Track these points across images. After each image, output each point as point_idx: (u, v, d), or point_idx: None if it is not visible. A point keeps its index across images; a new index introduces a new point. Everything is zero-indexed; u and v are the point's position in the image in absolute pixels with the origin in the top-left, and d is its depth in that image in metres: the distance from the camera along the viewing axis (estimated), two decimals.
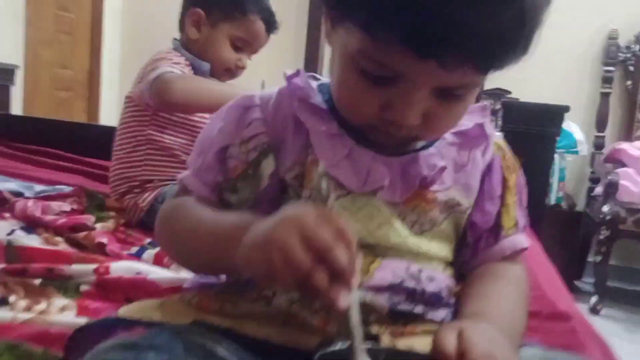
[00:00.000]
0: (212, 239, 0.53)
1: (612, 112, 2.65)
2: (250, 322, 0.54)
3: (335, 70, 0.54)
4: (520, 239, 0.63)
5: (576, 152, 2.57)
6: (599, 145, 2.62)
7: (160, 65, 1.19)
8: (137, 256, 1.00)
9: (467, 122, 0.60)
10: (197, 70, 1.28)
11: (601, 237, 2.27)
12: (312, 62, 3.00)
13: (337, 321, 0.49)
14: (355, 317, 0.44)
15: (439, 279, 0.57)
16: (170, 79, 1.16)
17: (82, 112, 3.38)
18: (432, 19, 0.44)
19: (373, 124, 0.53)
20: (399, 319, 0.54)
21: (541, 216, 1.76)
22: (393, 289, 0.54)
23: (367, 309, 0.52)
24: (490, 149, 0.62)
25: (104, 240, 1.00)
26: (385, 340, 0.53)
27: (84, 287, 0.84)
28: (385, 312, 0.54)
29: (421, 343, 0.53)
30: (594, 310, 2.28)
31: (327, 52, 3.03)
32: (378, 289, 0.54)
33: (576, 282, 2.58)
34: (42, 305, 0.79)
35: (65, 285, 0.84)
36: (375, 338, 0.52)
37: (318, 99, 0.59)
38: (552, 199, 2.57)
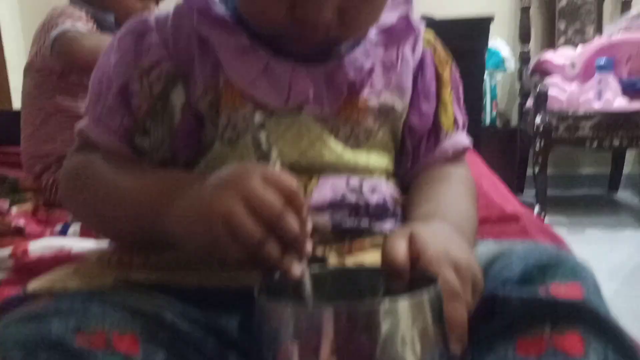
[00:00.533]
0: (134, 209, 0.47)
1: (533, 24, 2.67)
2: (181, 271, 0.48)
3: None
4: (461, 137, 0.59)
5: (504, 70, 2.59)
6: (525, 60, 2.65)
7: (59, 23, 1.07)
8: (63, 233, 0.91)
9: (390, 15, 0.54)
10: (101, 23, 1.17)
11: (537, 148, 2.32)
12: None
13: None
14: (308, 285, 0.40)
15: (381, 189, 0.53)
16: (73, 37, 1.05)
17: None
18: None
19: (285, 28, 0.47)
20: (345, 236, 0.50)
21: (478, 135, 1.77)
22: (334, 206, 0.50)
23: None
24: (420, 44, 0.57)
25: (21, 223, 0.91)
26: (333, 260, 0.48)
27: (1, 275, 0.75)
28: (329, 231, 0.49)
29: (371, 257, 0.49)
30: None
31: None
32: (319, 208, 0.49)
33: (518, 197, 2.65)
34: None
35: None
36: (322, 260, 0.48)
37: (221, 10, 0.51)
38: (486, 119, 2.60)
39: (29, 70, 1.18)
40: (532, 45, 2.68)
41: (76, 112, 1.15)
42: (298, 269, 0.38)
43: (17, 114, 1.98)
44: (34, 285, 0.49)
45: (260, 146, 0.41)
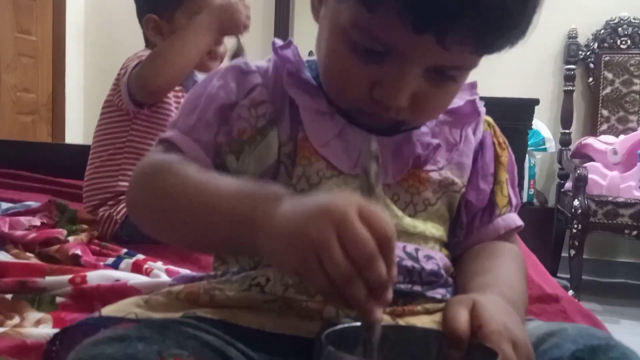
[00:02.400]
0: (220, 209, 0.45)
1: (576, 108, 2.71)
2: (244, 312, 0.51)
3: (324, 47, 0.52)
4: (514, 217, 0.62)
5: (544, 150, 2.62)
6: (565, 142, 2.68)
7: (129, 65, 1.17)
8: (114, 266, 0.96)
9: (457, 99, 0.59)
10: None
11: (574, 231, 2.31)
12: (283, 33, 2.95)
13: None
14: (379, 330, 0.40)
15: (436, 257, 0.55)
16: (138, 70, 1.12)
17: (46, 136, 3.29)
18: None
19: (361, 105, 0.51)
20: (398, 299, 0.52)
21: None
22: None
23: None
24: (481, 126, 0.62)
25: (78, 251, 0.96)
26: (386, 320, 0.51)
27: (59, 299, 0.80)
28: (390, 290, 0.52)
29: (422, 322, 0.51)
30: None
31: (297, 22, 2.99)
32: None
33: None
34: (15, 320, 0.75)
35: (39, 298, 0.80)
36: None
37: (307, 74, 0.56)
38: (524, 197, 2.60)
39: (107, 106, 1.26)
40: (574, 128, 2.71)
41: (141, 153, 1.22)
42: (379, 314, 0.38)
43: (69, 147, 2.09)
44: (107, 310, 0.53)
45: (369, 178, 0.41)
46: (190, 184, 0.49)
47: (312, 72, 0.57)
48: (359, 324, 0.46)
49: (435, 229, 0.57)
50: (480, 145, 0.61)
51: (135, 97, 1.16)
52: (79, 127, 3.34)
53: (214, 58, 1.29)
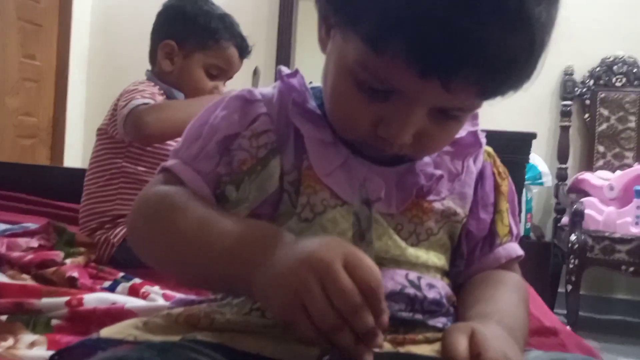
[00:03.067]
0: (217, 249, 0.47)
1: (572, 144, 2.74)
2: (244, 336, 0.51)
3: (330, 80, 0.53)
4: (515, 246, 0.62)
5: (541, 184, 2.64)
6: (562, 177, 2.69)
7: (132, 98, 1.18)
8: (111, 290, 0.95)
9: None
10: (171, 99, 1.27)
11: (570, 266, 2.30)
12: (284, 62, 2.98)
13: None
14: None
15: (438, 286, 0.56)
16: (142, 112, 1.14)
17: (45, 159, 3.30)
18: (440, 38, 0.42)
19: (365, 139, 0.52)
20: (399, 327, 0.52)
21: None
22: (393, 296, 0.52)
23: None
24: (481, 156, 0.62)
25: (75, 274, 0.96)
26: (386, 348, 0.51)
27: (55, 322, 0.79)
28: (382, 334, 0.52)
29: (422, 350, 0.51)
30: None
31: (298, 53, 3.02)
32: None
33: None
34: (8, 342, 0.74)
35: (34, 320, 0.79)
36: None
37: (313, 104, 0.57)
38: (521, 231, 2.60)
39: (101, 135, 1.27)
40: (570, 164, 2.73)
41: (137, 178, 1.23)
42: (369, 358, 0.39)
43: (68, 171, 2.09)
44: (105, 332, 0.52)
45: (359, 222, 0.42)
46: (191, 219, 0.50)
47: (316, 101, 0.58)
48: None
49: (437, 259, 0.58)
50: (481, 175, 0.61)
51: (129, 136, 1.17)
52: (78, 151, 3.35)
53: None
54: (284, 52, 2.93)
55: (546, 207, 2.82)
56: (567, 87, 2.72)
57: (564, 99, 2.73)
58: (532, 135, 1.94)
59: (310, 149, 0.55)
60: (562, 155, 2.72)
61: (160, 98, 1.24)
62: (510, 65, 0.45)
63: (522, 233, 2.59)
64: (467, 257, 0.60)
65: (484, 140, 0.62)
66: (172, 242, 0.51)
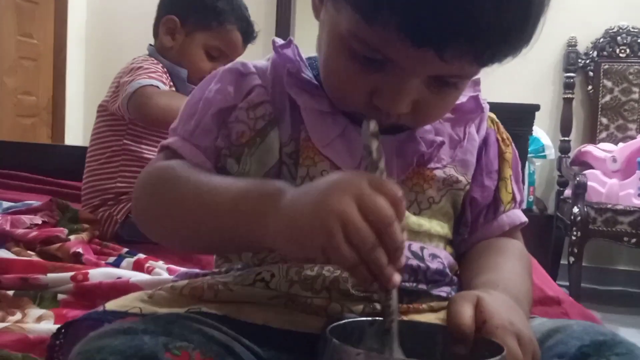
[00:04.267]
0: (224, 208, 0.46)
1: (575, 116, 2.72)
2: (249, 308, 0.51)
3: (323, 49, 0.52)
4: (518, 213, 0.62)
5: (544, 157, 2.63)
6: (565, 149, 2.68)
7: (137, 76, 1.16)
8: (115, 265, 0.96)
9: (460, 96, 0.59)
10: (174, 77, 1.26)
11: (573, 238, 2.31)
12: (283, 34, 2.94)
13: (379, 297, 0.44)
14: (395, 296, 0.42)
15: (441, 256, 0.55)
16: (149, 94, 1.12)
17: (46, 138, 3.29)
18: (432, 7, 0.41)
19: (361, 109, 0.51)
20: (403, 297, 0.52)
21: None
22: None
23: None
24: (485, 123, 0.62)
25: (79, 249, 0.96)
26: None
27: (61, 296, 0.79)
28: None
29: (427, 319, 0.51)
30: None
31: (298, 18, 2.98)
32: None
33: None
34: (16, 316, 0.74)
35: (41, 295, 0.79)
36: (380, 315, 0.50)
37: (309, 74, 0.56)
38: (524, 203, 2.61)
39: (102, 112, 1.26)
40: (573, 136, 2.72)
41: (139, 155, 1.22)
42: (398, 279, 0.40)
43: (69, 149, 2.09)
44: (111, 305, 0.53)
45: (371, 154, 0.43)
46: (194, 186, 0.50)
47: (313, 71, 0.57)
48: (363, 319, 0.46)
49: (440, 227, 0.57)
50: (484, 142, 0.61)
51: (132, 115, 1.16)
52: (78, 130, 3.34)
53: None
54: (283, 21, 2.89)
55: (549, 180, 2.82)
56: (570, 59, 2.69)
57: (567, 70, 2.70)
58: (535, 107, 1.93)
59: (307, 119, 0.54)
60: (565, 127, 2.70)
61: (164, 76, 1.22)
62: (506, 32, 0.44)
63: (525, 206, 2.60)
64: (471, 224, 0.60)
65: (486, 105, 0.61)
66: (177, 209, 0.50)
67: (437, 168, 0.57)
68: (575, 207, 2.30)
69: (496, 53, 0.46)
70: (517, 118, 1.86)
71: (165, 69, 1.25)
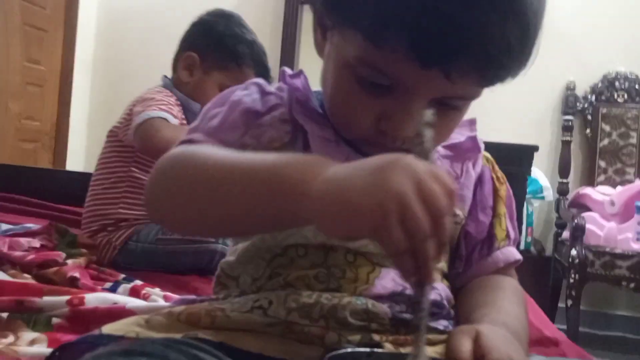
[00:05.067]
0: (260, 177, 0.42)
1: (573, 159, 2.74)
2: (245, 335, 0.51)
3: (329, 80, 0.54)
4: (513, 251, 0.63)
5: (542, 198, 2.63)
6: (563, 191, 2.69)
7: (148, 107, 1.17)
8: (112, 290, 0.95)
9: (458, 135, 0.61)
10: (187, 111, 1.27)
11: (571, 281, 2.30)
12: (287, 62, 2.97)
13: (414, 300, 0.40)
14: (428, 294, 0.39)
15: (439, 288, 0.56)
16: (157, 126, 1.13)
17: (47, 164, 3.31)
18: (439, 27, 0.43)
19: (367, 136, 0.52)
20: (401, 328, 0.52)
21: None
22: (394, 297, 0.53)
23: (369, 317, 0.51)
24: (480, 161, 0.63)
25: (76, 274, 0.96)
26: (388, 349, 0.51)
27: (55, 320, 0.79)
28: (387, 320, 0.52)
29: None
30: None
31: (302, 54, 3.02)
32: (379, 297, 0.52)
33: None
34: (9, 339, 0.74)
35: (35, 318, 0.79)
36: (378, 346, 0.50)
37: (315, 103, 0.58)
38: (521, 244, 2.60)
39: (111, 138, 1.28)
40: (571, 178, 2.73)
41: (143, 184, 1.21)
42: (437, 276, 0.39)
43: (71, 174, 2.09)
44: (107, 328, 0.52)
45: (423, 143, 0.41)
46: (222, 159, 0.46)
47: (318, 102, 0.59)
48: (361, 349, 0.46)
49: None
50: (479, 179, 0.63)
51: (138, 144, 1.17)
52: (80, 156, 3.35)
53: None
54: (287, 57, 2.94)
55: (547, 222, 2.82)
56: (569, 102, 2.73)
57: (566, 113, 2.73)
58: (534, 148, 1.95)
59: (314, 145, 0.56)
60: (564, 169, 2.72)
61: (177, 108, 1.24)
62: (508, 50, 0.46)
63: (522, 247, 2.60)
64: (466, 259, 0.61)
65: (482, 145, 0.63)
66: (199, 187, 0.46)
67: None
68: (573, 249, 2.29)
69: (499, 70, 0.48)
70: (516, 158, 1.88)
71: (179, 102, 1.27)
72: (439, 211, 0.36)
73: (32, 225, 1.32)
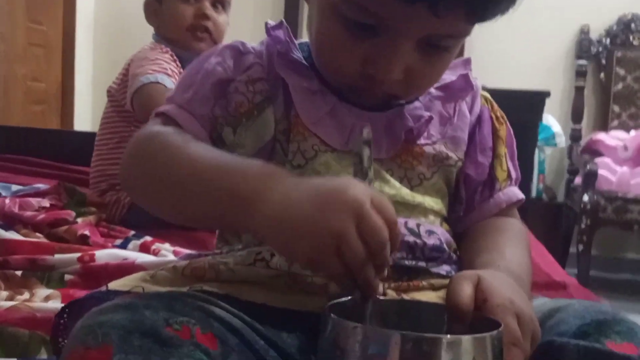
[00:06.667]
0: (216, 187, 0.45)
1: (587, 104, 2.69)
2: (249, 287, 0.51)
3: (314, 24, 0.53)
4: (515, 190, 0.62)
5: (554, 145, 2.60)
6: (575, 137, 2.66)
7: (142, 68, 1.15)
8: (122, 247, 0.96)
9: (450, 75, 0.59)
10: (184, 61, 1.24)
11: (582, 226, 2.29)
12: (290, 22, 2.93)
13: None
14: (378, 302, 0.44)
15: (438, 232, 0.55)
16: (152, 94, 1.12)
17: (55, 125, 3.31)
18: None
19: (354, 81, 0.52)
20: (403, 275, 0.52)
21: (525, 209, 1.78)
22: None
23: None
24: (478, 100, 0.62)
25: (86, 232, 0.97)
26: (391, 296, 0.51)
27: (68, 277, 0.80)
28: (389, 267, 0.52)
29: (427, 297, 0.51)
30: None
31: (305, 13, 2.97)
32: None
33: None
34: (24, 296, 0.75)
35: (48, 276, 0.80)
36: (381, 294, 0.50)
37: (298, 54, 0.57)
38: (533, 192, 2.59)
39: (110, 96, 1.27)
40: (584, 124, 2.69)
41: None
42: (381, 288, 0.42)
43: (79, 135, 2.10)
44: (114, 285, 0.53)
45: (362, 162, 0.43)
46: (186, 154, 0.49)
47: (304, 53, 0.58)
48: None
49: (434, 202, 0.57)
50: (478, 120, 0.61)
51: (135, 111, 1.16)
52: (87, 116, 3.36)
53: (199, 31, 1.27)
54: (292, 9, 2.87)
55: (559, 168, 2.79)
56: (583, 47, 2.65)
57: (579, 58, 2.66)
58: (545, 94, 1.91)
59: (296, 98, 0.55)
60: (577, 115, 2.67)
61: (173, 65, 1.21)
62: None
63: (534, 194, 2.59)
64: (467, 202, 0.60)
65: (477, 83, 0.61)
66: (166, 178, 0.49)
67: (426, 144, 0.57)
68: (585, 195, 2.28)
69: (487, 3, 0.46)
70: (527, 104, 1.84)
71: (173, 55, 1.24)
72: (379, 244, 0.39)
73: (42, 185, 1.34)
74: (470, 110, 0.61)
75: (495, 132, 0.61)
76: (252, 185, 0.43)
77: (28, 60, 3.06)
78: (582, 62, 2.65)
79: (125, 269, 0.78)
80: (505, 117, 0.64)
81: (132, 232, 1.04)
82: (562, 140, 2.60)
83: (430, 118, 0.57)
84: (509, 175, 0.61)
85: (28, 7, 3.02)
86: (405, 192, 0.55)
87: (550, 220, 2.60)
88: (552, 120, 2.58)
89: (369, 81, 0.51)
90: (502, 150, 0.61)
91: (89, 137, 1.67)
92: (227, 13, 1.31)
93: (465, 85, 0.59)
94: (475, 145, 0.60)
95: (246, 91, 0.55)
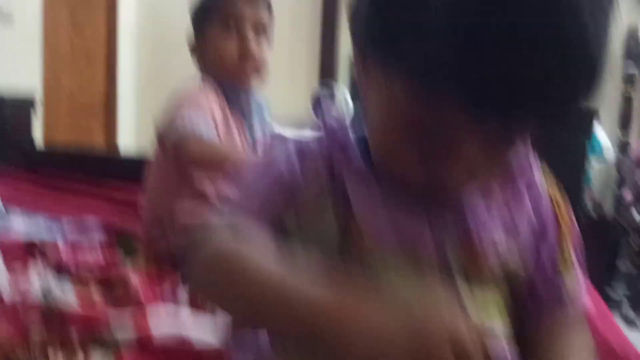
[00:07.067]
0: (301, 313, 0.45)
1: (635, 114, 2.58)
2: None
3: (375, 122, 0.50)
4: (583, 298, 0.59)
5: (602, 158, 2.51)
6: (624, 148, 2.56)
7: (183, 117, 1.14)
8: (173, 300, 0.98)
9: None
10: (231, 101, 1.25)
11: (633, 245, 2.21)
12: (328, 67, 2.88)
13: None
14: None
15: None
16: (190, 146, 1.12)
17: (100, 136, 3.36)
18: (498, 77, 0.40)
19: (419, 186, 0.49)
20: None
21: (577, 232, 1.70)
22: None
23: None
24: (539, 189, 0.56)
25: (137, 287, 0.99)
26: None
27: (123, 347, 0.82)
28: None
29: None
30: (630, 322, 2.23)
31: (342, 56, 2.91)
32: None
33: (607, 291, 2.52)
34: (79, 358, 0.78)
35: (103, 345, 0.82)
36: None
37: (356, 155, 0.53)
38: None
39: (158, 139, 1.26)
40: (632, 134, 2.58)
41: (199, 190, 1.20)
42: None
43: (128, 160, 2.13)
44: None
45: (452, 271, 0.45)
46: (266, 273, 0.48)
47: (360, 149, 0.54)
48: None
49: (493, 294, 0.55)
50: (542, 231, 0.56)
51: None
52: (132, 129, 3.40)
53: (246, 61, 1.25)
54: (328, 48, 2.81)
55: (607, 181, 2.70)
56: (631, 49, 2.54)
57: (628, 59, 2.54)
58: (593, 113, 1.83)
59: (357, 206, 0.52)
60: (624, 125, 2.57)
61: (215, 109, 1.20)
62: (574, 97, 0.43)
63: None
64: (532, 315, 0.57)
65: (536, 164, 0.56)
66: (248, 305, 0.50)
67: (491, 256, 0.53)
68: (636, 212, 2.20)
69: (562, 115, 0.44)
70: (574, 124, 1.77)
71: (215, 89, 1.24)
72: None
73: (91, 218, 1.37)
74: (537, 216, 0.56)
75: (562, 237, 0.57)
76: (332, 319, 0.44)
77: (72, 71, 3.12)
78: (631, 67, 2.54)
79: (184, 354, 0.80)
80: (565, 205, 0.59)
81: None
82: (609, 153, 2.51)
83: (495, 228, 0.53)
84: (577, 283, 0.58)
85: (72, 18, 3.06)
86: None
87: (598, 235, 2.52)
88: (600, 132, 2.49)
89: (433, 185, 0.49)
90: (570, 254, 0.57)
91: (136, 162, 1.67)
92: (268, 36, 1.29)
93: (524, 163, 0.55)
94: (542, 260, 0.56)
95: (312, 197, 0.53)
